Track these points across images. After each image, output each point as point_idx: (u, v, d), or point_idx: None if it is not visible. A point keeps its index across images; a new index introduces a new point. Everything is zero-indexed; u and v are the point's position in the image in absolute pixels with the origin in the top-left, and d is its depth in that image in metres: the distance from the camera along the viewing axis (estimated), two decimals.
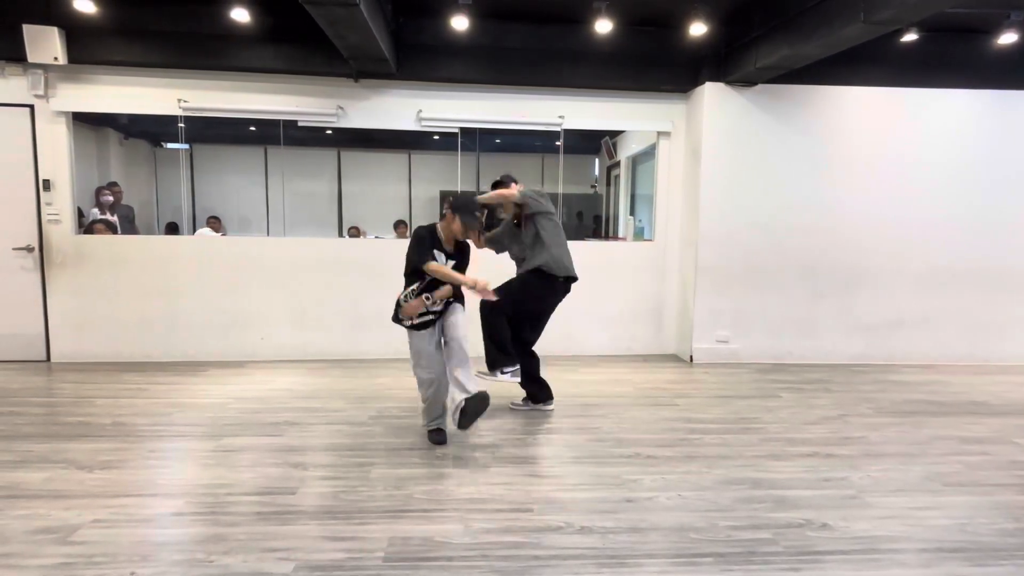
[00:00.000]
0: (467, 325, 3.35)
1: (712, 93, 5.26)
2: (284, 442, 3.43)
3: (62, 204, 5.03)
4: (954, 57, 5.28)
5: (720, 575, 2.21)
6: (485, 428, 3.55)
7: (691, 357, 5.49)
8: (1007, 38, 4.81)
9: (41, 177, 4.99)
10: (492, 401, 3.26)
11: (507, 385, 3.82)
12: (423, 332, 3.31)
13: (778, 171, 5.37)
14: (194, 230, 6.98)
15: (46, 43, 4.67)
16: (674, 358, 5.68)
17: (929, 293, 5.54)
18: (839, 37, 4.01)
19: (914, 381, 4.98)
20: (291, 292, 5.31)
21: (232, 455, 3.23)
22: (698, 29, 4.69)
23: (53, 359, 5.15)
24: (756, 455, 3.34)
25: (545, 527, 2.54)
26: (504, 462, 3.19)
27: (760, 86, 5.25)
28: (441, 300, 3.30)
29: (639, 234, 6.65)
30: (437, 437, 3.43)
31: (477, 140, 6.06)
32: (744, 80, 5.17)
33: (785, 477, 3.06)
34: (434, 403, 3.41)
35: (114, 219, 5.96)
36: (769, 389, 4.68)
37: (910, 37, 4.95)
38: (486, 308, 3.59)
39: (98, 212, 5.92)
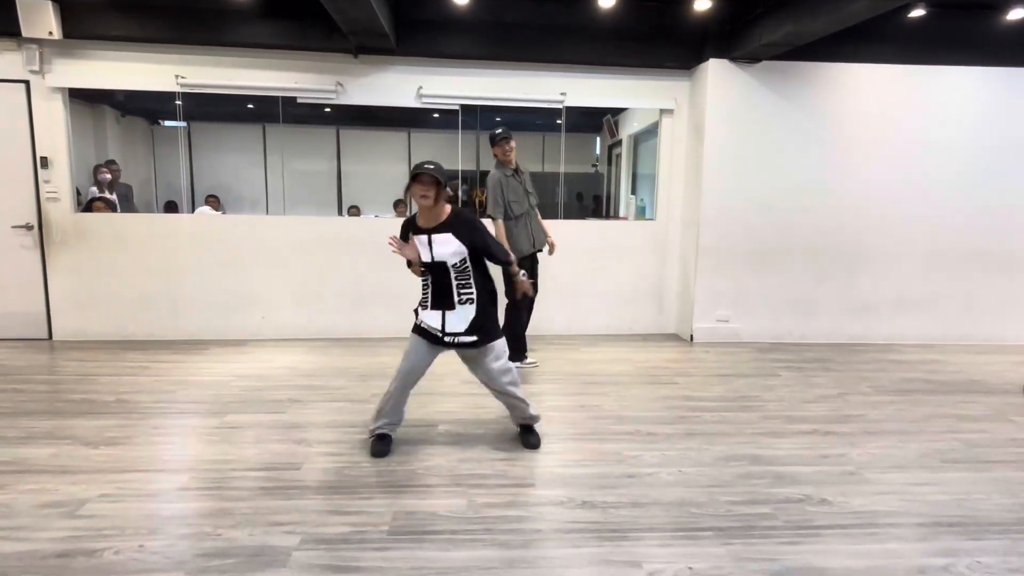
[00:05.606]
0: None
1: (716, 70, 5.19)
2: (287, 419, 3.45)
3: (60, 182, 5.00)
4: (963, 34, 5.20)
5: (720, 548, 2.25)
6: (488, 405, 3.57)
7: (691, 336, 5.50)
8: (1016, 14, 4.75)
9: (39, 154, 4.95)
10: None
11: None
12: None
13: (782, 150, 5.32)
14: (193, 209, 6.95)
15: (40, 17, 4.59)
16: (674, 337, 5.70)
17: (932, 274, 5.53)
18: (846, 12, 3.96)
19: (913, 360, 5.00)
20: (292, 271, 5.30)
21: (235, 432, 3.25)
22: (702, 4, 4.62)
23: (55, 337, 5.16)
24: (756, 432, 3.37)
25: (547, 502, 2.57)
26: (506, 439, 3.22)
27: (765, 63, 5.18)
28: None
29: (641, 213, 6.63)
30: (380, 446, 2.99)
31: (478, 118, 6.00)
32: (749, 57, 5.10)
33: (784, 454, 3.09)
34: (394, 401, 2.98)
35: (113, 197, 5.94)
36: (769, 368, 4.71)
37: (918, 13, 4.88)
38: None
39: (96, 190, 5.90)
